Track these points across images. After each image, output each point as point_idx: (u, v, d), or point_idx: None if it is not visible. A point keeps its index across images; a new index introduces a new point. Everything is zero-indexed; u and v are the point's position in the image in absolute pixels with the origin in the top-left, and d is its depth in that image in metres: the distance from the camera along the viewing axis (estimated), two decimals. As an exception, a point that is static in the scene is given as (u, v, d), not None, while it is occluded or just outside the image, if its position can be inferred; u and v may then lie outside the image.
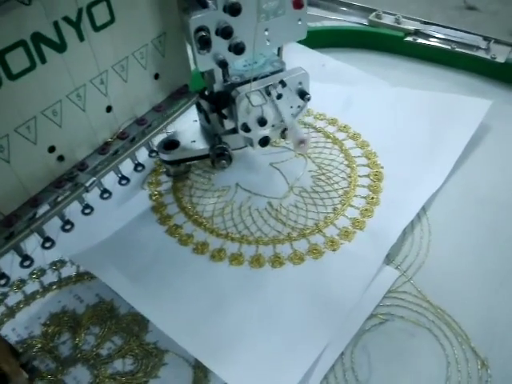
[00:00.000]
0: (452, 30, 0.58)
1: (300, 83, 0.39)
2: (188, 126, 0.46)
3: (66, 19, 0.28)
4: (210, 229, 0.42)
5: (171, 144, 0.45)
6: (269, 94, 0.38)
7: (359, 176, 0.46)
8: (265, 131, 0.41)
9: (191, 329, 0.34)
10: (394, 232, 0.39)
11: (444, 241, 0.40)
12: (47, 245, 0.33)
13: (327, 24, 0.65)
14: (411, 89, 0.54)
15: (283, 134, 0.43)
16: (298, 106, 0.41)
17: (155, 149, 0.43)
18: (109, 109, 0.34)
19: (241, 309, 0.35)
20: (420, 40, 0.59)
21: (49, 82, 0.29)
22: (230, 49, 0.34)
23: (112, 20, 0.31)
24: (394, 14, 0.61)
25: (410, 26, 0.60)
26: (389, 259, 0.39)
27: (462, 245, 0.39)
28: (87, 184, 0.31)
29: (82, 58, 0.30)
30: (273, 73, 0.39)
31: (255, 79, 0.38)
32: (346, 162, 0.47)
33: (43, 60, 0.28)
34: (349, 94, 0.54)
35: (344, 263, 0.38)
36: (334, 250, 0.39)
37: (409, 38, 0.59)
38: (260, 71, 0.39)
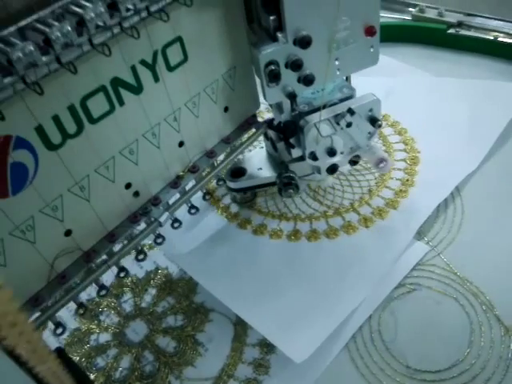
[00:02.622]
0: (494, 20, 0.58)
1: (370, 110, 0.37)
2: (254, 153, 0.46)
3: (143, 62, 0.30)
4: (252, 207, 0.46)
5: (238, 172, 0.45)
6: (338, 123, 0.36)
7: (396, 160, 0.48)
8: (333, 159, 0.39)
9: (235, 290, 0.38)
10: (426, 210, 0.41)
11: (476, 219, 0.41)
12: (121, 274, 0.34)
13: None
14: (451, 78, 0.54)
15: (351, 161, 0.41)
16: (369, 133, 0.39)
17: (223, 177, 0.43)
18: (181, 144, 0.34)
19: (280, 273, 0.39)
20: (463, 32, 0.58)
21: (126, 123, 0.30)
22: (299, 80, 0.33)
23: (185, 59, 0.32)
24: (437, 8, 0.61)
25: (453, 18, 0.60)
26: (420, 235, 0.40)
27: (494, 223, 0.40)
28: (161, 219, 0.32)
29: (157, 98, 0.31)
30: (342, 100, 0.38)
31: (324, 107, 0.37)
32: (383, 148, 0.49)
33: (121, 102, 0.29)
34: (390, 84, 0.55)
35: (376, 238, 0.41)
36: (367, 227, 0.42)
37: (451, 31, 0.59)
38: (329, 98, 0.38)
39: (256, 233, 0.43)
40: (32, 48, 0.21)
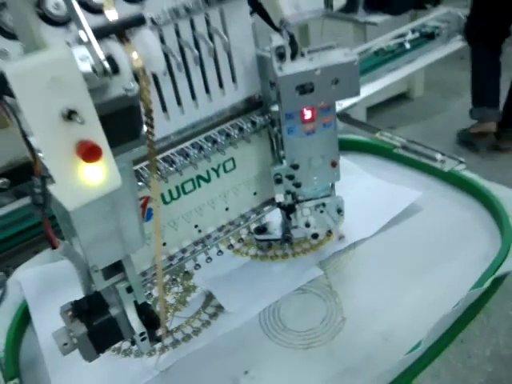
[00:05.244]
0: (420, 146, 0.84)
1: (338, 204, 0.64)
2: (275, 219, 0.74)
3: (213, 169, 0.60)
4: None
5: (263, 229, 0.73)
6: (315, 209, 0.64)
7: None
8: (314, 230, 0.66)
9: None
10: (332, 250, 0.69)
11: (361, 266, 0.67)
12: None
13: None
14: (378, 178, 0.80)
15: (328, 233, 0.67)
16: (335, 219, 0.65)
17: (252, 231, 0.71)
18: (227, 208, 0.64)
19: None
20: (401, 151, 0.84)
21: (201, 196, 0.60)
22: (293, 184, 0.62)
23: (234, 168, 0.62)
24: (391, 134, 0.88)
25: (399, 142, 0.86)
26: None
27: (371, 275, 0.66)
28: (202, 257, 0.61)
29: (217, 184, 0.61)
30: (323, 196, 0.65)
31: (311, 199, 0.65)
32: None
33: (199, 186, 0.60)
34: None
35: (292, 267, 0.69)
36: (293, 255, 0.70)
37: (396, 150, 0.85)
38: (315, 194, 0.66)
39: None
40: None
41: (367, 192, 0.77)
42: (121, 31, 0.29)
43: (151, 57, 0.30)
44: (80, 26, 0.27)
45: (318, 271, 0.67)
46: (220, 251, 0.64)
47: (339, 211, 0.65)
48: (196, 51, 0.51)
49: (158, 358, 0.58)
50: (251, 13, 0.58)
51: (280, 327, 0.60)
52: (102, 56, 0.27)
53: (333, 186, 0.66)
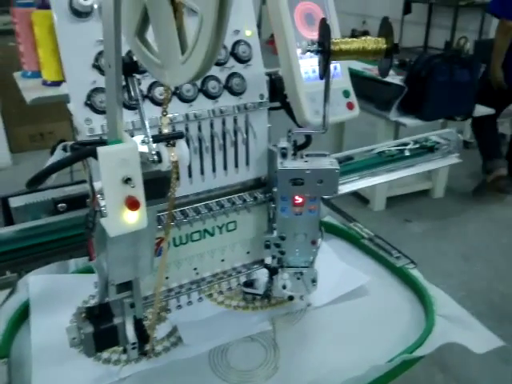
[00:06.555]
0: (383, 241, 0.98)
1: (313, 276, 0.78)
2: (261, 277, 0.88)
3: (217, 226, 0.76)
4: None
5: (250, 283, 0.87)
6: (294, 275, 0.78)
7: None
8: (289, 292, 0.79)
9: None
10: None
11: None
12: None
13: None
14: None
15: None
16: (308, 287, 0.79)
17: (241, 283, 0.85)
18: (222, 260, 0.79)
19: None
20: (367, 242, 0.98)
21: (203, 246, 0.76)
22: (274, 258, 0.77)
23: (235, 228, 0.78)
24: (362, 226, 1.03)
25: (366, 234, 1.00)
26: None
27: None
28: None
29: (220, 239, 0.77)
30: (303, 267, 0.79)
31: (292, 267, 0.79)
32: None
33: (204, 237, 0.75)
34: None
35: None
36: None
37: (362, 240, 0.99)
38: (297, 263, 0.80)
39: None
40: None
41: (327, 268, 0.87)
42: (167, 140, 0.47)
43: (182, 157, 0.48)
44: (145, 133, 0.46)
45: (268, 326, 0.79)
46: (200, 298, 0.78)
47: (313, 281, 0.78)
48: (222, 141, 0.69)
49: (121, 367, 0.71)
50: (278, 108, 0.77)
51: (224, 363, 0.72)
52: (154, 154, 0.45)
53: (313, 259, 0.80)
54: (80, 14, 0.60)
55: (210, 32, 0.33)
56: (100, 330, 0.62)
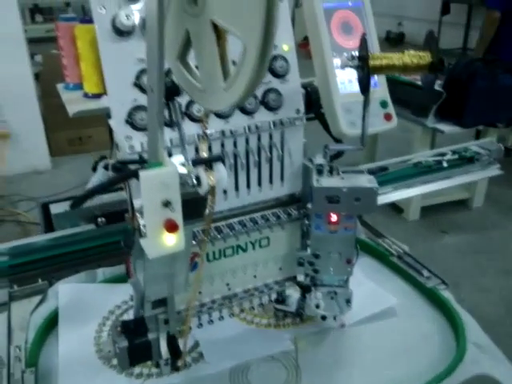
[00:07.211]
0: (412, 260, 0.94)
1: (347, 296, 0.76)
2: (293, 294, 0.87)
3: (252, 241, 0.76)
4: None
5: (282, 300, 0.86)
6: (327, 295, 0.76)
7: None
8: (322, 312, 0.78)
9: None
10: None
11: None
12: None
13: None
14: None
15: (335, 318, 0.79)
16: (342, 308, 0.77)
17: (272, 300, 0.84)
18: (255, 276, 0.78)
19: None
20: (395, 260, 0.95)
21: (236, 261, 0.75)
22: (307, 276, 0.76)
23: (268, 245, 0.77)
24: (392, 242, 1.00)
25: (395, 252, 0.97)
26: None
27: None
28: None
29: (252, 254, 0.76)
30: (337, 286, 0.78)
31: (325, 286, 0.77)
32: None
33: (238, 253, 0.75)
34: None
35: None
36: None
37: (391, 258, 0.95)
38: (331, 282, 0.78)
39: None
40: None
41: (353, 287, 0.84)
42: (206, 163, 0.47)
43: (220, 181, 0.48)
44: (186, 157, 0.46)
45: (289, 345, 0.77)
46: (221, 317, 0.77)
47: (348, 302, 0.76)
48: (257, 157, 0.69)
49: (143, 381, 0.71)
50: (312, 118, 0.76)
51: (244, 382, 0.71)
52: (193, 178, 0.45)
53: (347, 278, 0.78)
54: (122, 32, 0.61)
55: (254, 61, 0.33)
56: (134, 344, 0.63)
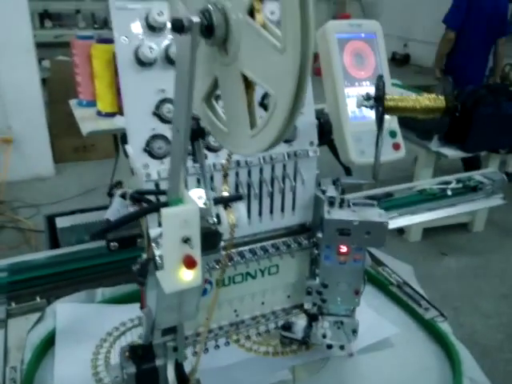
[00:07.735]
0: (412, 290, 0.94)
1: (354, 326, 0.76)
2: (300, 322, 0.87)
3: (260, 269, 0.76)
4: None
5: (288, 327, 0.86)
6: (334, 324, 0.76)
7: None
8: (328, 341, 0.78)
9: None
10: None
11: None
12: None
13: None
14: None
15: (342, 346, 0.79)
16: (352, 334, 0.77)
17: (279, 327, 0.85)
18: (263, 303, 0.78)
19: None
20: (395, 289, 0.95)
21: (245, 288, 0.76)
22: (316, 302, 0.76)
23: (277, 272, 0.77)
24: (391, 271, 1.00)
25: (395, 281, 0.98)
26: None
27: None
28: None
29: (261, 281, 0.77)
30: (343, 315, 0.78)
31: (332, 315, 0.78)
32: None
33: (247, 279, 0.76)
34: None
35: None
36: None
37: (391, 287, 0.96)
38: (338, 311, 0.78)
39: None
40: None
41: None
42: (226, 202, 0.48)
43: (240, 220, 0.49)
44: (208, 196, 0.47)
45: (287, 375, 0.77)
46: (217, 346, 0.76)
47: (354, 332, 0.77)
48: (270, 188, 0.70)
49: None
50: (322, 144, 0.76)
51: None
52: (214, 216, 0.46)
53: (354, 308, 0.79)
54: (144, 63, 0.62)
55: (285, 116, 0.34)
56: (142, 370, 0.63)
